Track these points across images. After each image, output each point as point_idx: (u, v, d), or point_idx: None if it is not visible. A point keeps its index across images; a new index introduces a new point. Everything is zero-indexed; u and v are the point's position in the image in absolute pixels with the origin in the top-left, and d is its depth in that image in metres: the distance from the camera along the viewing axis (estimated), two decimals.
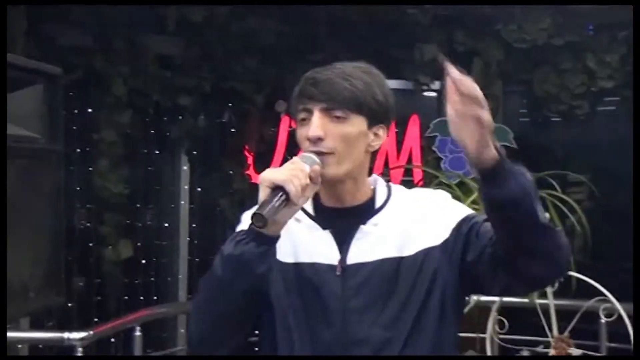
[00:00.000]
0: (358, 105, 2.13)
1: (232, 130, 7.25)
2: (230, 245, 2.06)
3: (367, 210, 2.21)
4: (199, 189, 7.31)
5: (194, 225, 7.27)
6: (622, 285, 4.63)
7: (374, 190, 2.25)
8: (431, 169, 6.43)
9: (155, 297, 7.07)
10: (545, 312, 4.72)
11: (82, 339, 4.43)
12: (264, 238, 2.04)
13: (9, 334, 4.57)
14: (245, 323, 2.18)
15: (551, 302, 4.60)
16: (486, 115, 1.96)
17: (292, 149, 7.14)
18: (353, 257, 2.15)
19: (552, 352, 4.63)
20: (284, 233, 2.13)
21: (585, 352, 4.82)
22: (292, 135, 7.11)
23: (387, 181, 2.31)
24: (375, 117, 2.17)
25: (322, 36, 6.72)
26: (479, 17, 6.70)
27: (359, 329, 2.12)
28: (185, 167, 7.21)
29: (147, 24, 6.47)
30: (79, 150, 6.71)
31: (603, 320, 5.21)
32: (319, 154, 2.11)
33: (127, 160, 6.66)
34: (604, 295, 4.65)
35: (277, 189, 2.00)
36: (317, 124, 2.11)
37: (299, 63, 6.91)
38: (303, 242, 2.19)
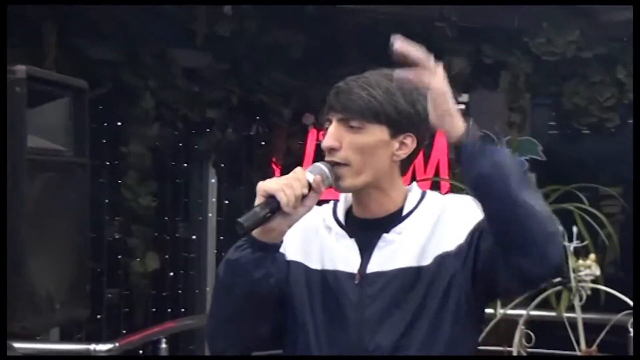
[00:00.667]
0: (375, 115, 2.11)
1: (260, 143, 7.26)
2: (231, 250, 2.10)
3: (394, 219, 2.19)
4: (226, 202, 7.32)
5: (221, 237, 7.27)
6: None
7: (405, 199, 2.22)
8: (458, 182, 6.40)
9: (182, 310, 7.09)
10: (573, 325, 4.68)
11: (108, 351, 4.45)
12: (261, 245, 2.06)
13: (38, 346, 4.63)
14: (253, 327, 2.19)
15: (579, 315, 4.57)
16: (435, 81, 1.98)
17: (320, 161, 7.13)
18: (373, 266, 2.15)
19: None
20: (315, 240, 2.18)
21: None
22: (319, 148, 7.10)
23: (425, 189, 2.28)
24: (399, 125, 2.13)
25: (349, 49, 6.73)
26: (507, 30, 6.69)
27: (373, 339, 2.12)
28: (213, 180, 7.23)
29: (175, 37, 6.49)
30: (107, 163, 6.76)
31: (632, 333, 5.18)
32: (334, 164, 2.11)
33: (155, 173, 6.69)
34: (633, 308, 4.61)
35: (270, 197, 2.02)
36: (332, 134, 2.12)
37: (327, 76, 6.93)
38: (330, 249, 2.19)
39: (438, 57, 6.31)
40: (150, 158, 6.57)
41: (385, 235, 2.16)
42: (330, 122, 2.15)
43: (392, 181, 2.19)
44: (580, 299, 4.56)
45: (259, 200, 2.03)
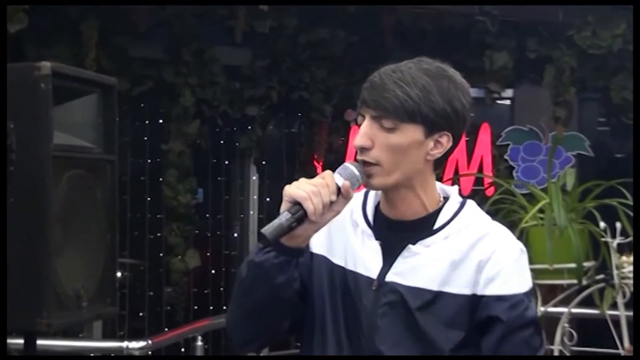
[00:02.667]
0: (410, 115, 2.01)
1: (301, 140, 7.27)
2: (255, 251, 2.06)
3: (424, 227, 2.11)
4: (268, 199, 7.35)
5: None
6: None
7: (441, 205, 2.15)
8: (503, 178, 6.35)
9: (224, 307, 7.11)
10: (615, 323, 4.62)
11: (141, 348, 4.48)
12: (286, 249, 2.01)
13: (72, 343, 4.67)
14: (272, 325, 2.17)
15: (622, 313, 4.50)
16: None
17: (350, 161, 7.11)
18: (392, 276, 2.08)
19: None
20: (341, 235, 2.13)
21: None
22: None
23: (464, 198, 2.19)
24: (435, 125, 2.04)
25: (390, 45, 6.70)
26: (551, 23, 6.60)
27: (381, 348, 2.07)
28: (254, 177, 7.27)
29: (215, 35, 6.53)
30: (149, 160, 6.82)
31: None
32: (365, 163, 2.05)
33: (196, 171, 6.73)
34: None
35: (296, 204, 1.96)
36: (364, 133, 2.05)
37: (368, 72, 6.90)
38: (354, 248, 2.14)
39: (480, 52, 6.29)
40: (191, 155, 6.62)
41: (411, 246, 2.09)
42: (363, 117, 2.08)
43: (424, 181, 2.12)
44: (624, 296, 4.50)
45: (285, 205, 1.97)
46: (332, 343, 2.12)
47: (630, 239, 4.54)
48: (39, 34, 5.73)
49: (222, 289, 7.19)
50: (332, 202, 1.99)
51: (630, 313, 4.60)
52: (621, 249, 4.56)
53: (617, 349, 4.63)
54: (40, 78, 2.68)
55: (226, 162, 7.24)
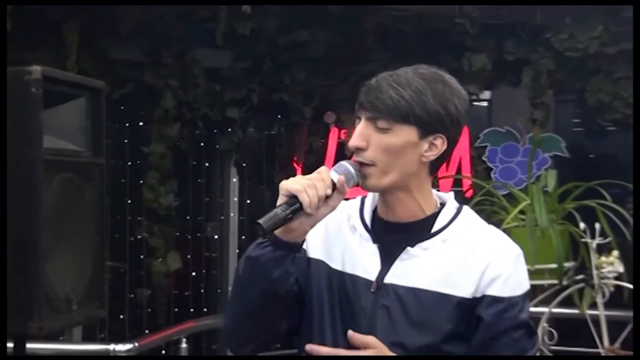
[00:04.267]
0: (403, 116, 2.05)
1: (281, 142, 7.28)
2: (251, 247, 2.08)
3: (421, 230, 2.14)
4: (248, 201, 7.35)
5: (243, 237, 7.30)
6: None
7: (437, 209, 2.17)
8: (481, 179, 6.38)
9: (205, 309, 7.12)
10: (595, 323, 4.66)
11: (127, 351, 4.47)
12: (283, 244, 2.03)
13: (57, 346, 4.65)
14: (269, 324, 2.18)
15: (602, 312, 4.54)
16: None
17: (342, 159, 7.13)
18: (391, 278, 2.11)
19: None
20: (339, 239, 2.15)
21: None
22: (341, 146, 7.13)
23: (461, 203, 2.23)
24: (428, 127, 2.07)
25: (371, 47, 6.72)
26: (529, 25, 6.65)
27: None
28: (234, 179, 7.26)
29: (196, 37, 6.52)
30: (129, 163, 6.80)
31: None
32: (360, 164, 2.08)
33: (176, 173, 6.73)
34: None
35: (292, 197, 2.00)
36: (358, 134, 2.09)
37: (349, 74, 6.93)
38: (352, 252, 2.16)
39: (459, 53, 6.33)
40: (172, 158, 6.61)
41: (409, 248, 2.11)
42: (360, 119, 2.11)
43: (420, 184, 2.15)
44: (603, 296, 4.54)
45: (281, 199, 2.00)
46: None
47: (609, 239, 4.59)
48: (20, 36, 5.70)
49: (202, 290, 7.19)
50: (327, 197, 2.03)
51: (610, 312, 4.65)
52: (600, 250, 4.61)
53: (597, 347, 4.67)
54: (31, 82, 2.68)
55: (206, 164, 7.24)
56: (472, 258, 2.09)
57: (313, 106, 6.97)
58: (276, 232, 2.02)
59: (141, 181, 6.63)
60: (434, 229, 2.14)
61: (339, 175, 2.04)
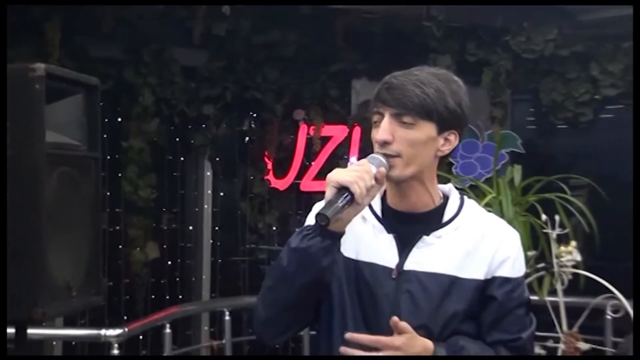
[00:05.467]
0: (427, 112, 2.11)
1: (253, 137, 7.26)
2: (297, 238, 2.08)
3: (433, 219, 2.20)
4: (221, 194, 7.34)
5: (216, 228, 7.29)
6: (621, 283, 4.61)
7: (445, 200, 2.23)
8: (443, 172, 6.40)
9: (180, 296, 7.09)
10: (555, 308, 4.70)
11: (117, 336, 4.45)
12: (329, 233, 2.05)
13: (48, 331, 4.62)
14: (305, 313, 2.20)
15: (561, 299, 4.58)
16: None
17: (310, 155, 7.17)
18: (410, 264, 2.15)
19: (561, 346, 4.61)
20: (348, 230, 2.15)
21: (593, 346, 4.80)
22: (309, 142, 7.13)
23: (462, 193, 2.30)
24: (446, 123, 2.14)
25: (340, 47, 6.72)
26: (490, 29, 6.70)
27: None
28: (208, 173, 7.23)
29: (174, 36, 6.49)
30: (109, 157, 6.74)
31: (609, 316, 5.23)
32: (386, 156, 2.12)
33: (154, 167, 6.69)
34: (611, 292, 4.63)
35: (342, 189, 2.02)
36: (385, 128, 2.12)
37: (318, 73, 6.94)
38: (366, 241, 2.20)
39: (424, 55, 6.32)
40: (149, 152, 6.58)
41: (425, 237, 2.16)
42: (380, 114, 2.15)
43: (432, 176, 2.21)
44: (562, 284, 4.58)
45: (330, 191, 2.03)
46: (352, 326, 2.15)
47: (567, 230, 4.62)
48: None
49: (177, 279, 7.16)
50: (371, 187, 2.06)
51: (568, 299, 4.68)
52: (559, 240, 4.64)
53: (556, 332, 4.71)
54: (34, 79, 2.64)
55: (182, 159, 7.20)
56: (482, 243, 2.16)
57: (284, 104, 6.99)
58: (322, 222, 2.03)
59: (119, 174, 6.56)
60: (445, 219, 2.20)
61: (378, 167, 2.08)
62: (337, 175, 2.04)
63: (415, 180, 2.16)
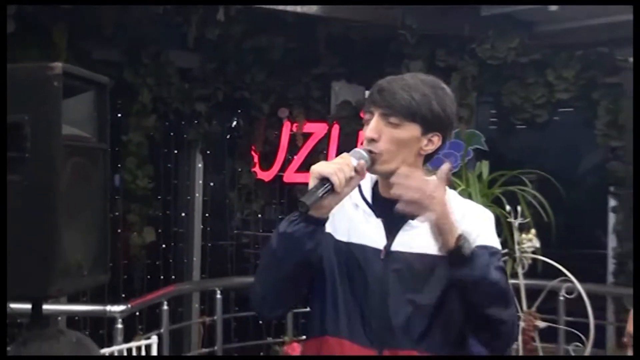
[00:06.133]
0: (412, 115, 2.13)
1: (241, 133, 7.25)
2: (284, 224, 2.10)
3: None
4: (211, 184, 7.33)
5: (206, 214, 7.29)
6: (573, 268, 4.66)
7: None
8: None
9: (173, 277, 7.07)
10: (516, 290, 4.73)
11: (121, 312, 4.44)
12: (313, 219, 2.07)
13: (55, 307, 4.59)
14: (297, 290, 2.22)
15: (521, 281, 4.62)
16: (434, 212, 2.02)
17: (293, 150, 7.16)
18: (397, 246, 2.16)
19: (522, 324, 4.65)
20: (342, 215, 2.18)
21: (549, 324, 4.84)
22: (293, 137, 7.13)
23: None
24: (430, 125, 2.15)
25: (322, 53, 6.73)
26: (458, 37, 6.71)
27: (393, 308, 2.14)
28: (199, 165, 7.22)
29: (169, 40, 6.46)
30: (109, 149, 6.68)
31: (562, 297, 5.27)
32: (371, 152, 2.14)
33: (150, 159, 6.66)
34: (566, 276, 4.68)
35: (323, 179, 2.04)
36: (373, 127, 2.15)
37: (302, 76, 6.94)
38: (357, 225, 2.21)
39: (398, 60, 6.33)
40: (147, 146, 6.55)
41: (411, 221, 2.17)
42: (371, 114, 2.17)
43: (417, 168, 2.19)
44: (523, 268, 4.61)
45: (313, 182, 2.05)
46: (342, 304, 2.17)
47: (528, 219, 4.66)
48: (13, 36, 5.59)
49: (171, 260, 7.14)
50: (350, 178, 2.08)
51: (528, 281, 4.72)
52: (521, 228, 4.68)
53: (517, 312, 4.74)
54: (53, 77, 2.64)
55: (175, 152, 7.17)
56: (462, 222, 2.14)
57: (270, 103, 6.98)
58: (300, 211, 2.06)
59: (119, 165, 6.53)
60: None
61: (358, 160, 2.10)
62: (319, 167, 2.06)
63: None
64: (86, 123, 3.06)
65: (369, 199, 2.25)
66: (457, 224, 2.06)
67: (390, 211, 2.17)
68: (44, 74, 2.65)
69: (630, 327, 1.95)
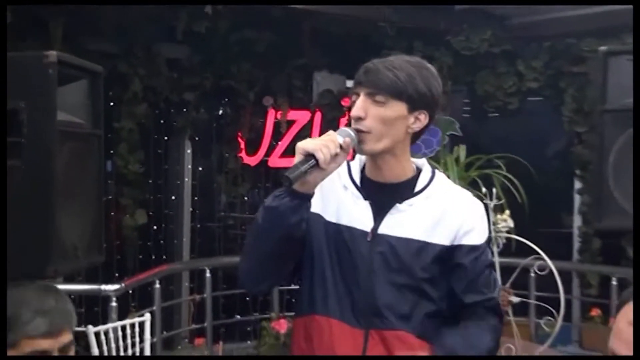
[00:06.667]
0: (398, 93, 2.04)
1: (228, 120, 7.19)
2: (270, 198, 2.03)
3: (405, 189, 2.12)
4: (199, 169, 7.26)
5: (195, 198, 7.23)
6: (543, 246, 4.62)
7: (417, 173, 2.16)
8: None
9: (164, 257, 7.01)
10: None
11: (115, 290, 4.37)
12: (297, 194, 2.00)
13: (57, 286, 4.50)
14: (282, 264, 2.14)
15: (496, 259, 4.57)
16: None
17: (277, 136, 7.11)
18: (384, 229, 2.09)
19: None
20: (332, 196, 2.11)
21: (522, 299, 4.81)
22: (276, 125, 7.07)
23: (434, 167, 2.23)
24: (416, 103, 2.07)
25: (305, 45, 6.67)
26: (434, 30, 6.68)
27: (379, 289, 2.07)
28: (188, 151, 7.15)
29: (159, 33, 6.39)
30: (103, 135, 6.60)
31: (533, 274, 5.25)
32: (359, 131, 2.06)
33: (142, 145, 6.59)
34: (538, 254, 4.64)
35: (308, 155, 1.97)
36: (359, 106, 2.06)
37: (285, 66, 6.88)
38: (346, 207, 2.13)
39: (378, 52, 6.29)
40: (138, 132, 6.49)
41: (398, 205, 2.10)
42: (357, 95, 2.08)
43: (404, 150, 2.14)
44: (498, 246, 4.57)
45: (298, 157, 1.97)
46: (331, 284, 2.10)
47: (503, 201, 4.61)
48: (14, 29, 5.49)
49: (161, 241, 7.07)
50: (336, 155, 2.00)
51: (502, 259, 4.67)
52: (496, 209, 4.63)
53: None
54: (48, 65, 2.56)
55: (165, 138, 7.09)
56: (450, 212, 2.10)
57: (255, 92, 6.93)
58: (295, 186, 1.99)
59: (112, 151, 6.45)
60: (417, 189, 2.13)
61: (344, 137, 2.02)
62: (304, 144, 1.98)
63: (388, 154, 2.10)
64: (81, 110, 2.98)
65: (358, 181, 2.17)
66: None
67: (377, 194, 2.12)
68: (39, 62, 2.57)
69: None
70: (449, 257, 2.09)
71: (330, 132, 2.04)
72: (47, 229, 2.59)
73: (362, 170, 2.19)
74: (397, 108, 2.06)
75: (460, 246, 2.09)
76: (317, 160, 1.96)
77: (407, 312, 2.07)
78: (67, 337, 2.04)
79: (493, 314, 2.13)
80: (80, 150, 2.90)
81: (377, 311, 2.06)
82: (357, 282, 2.08)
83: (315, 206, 2.13)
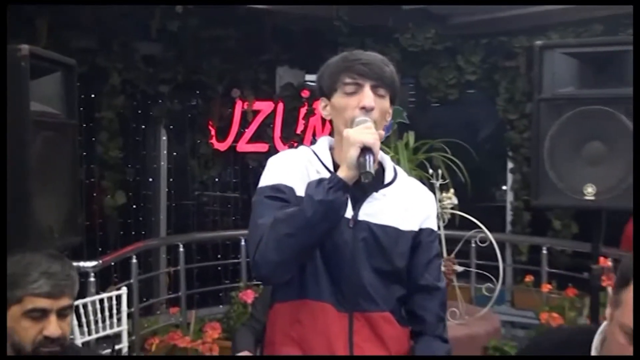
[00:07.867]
0: (393, 88, 1.96)
1: (199, 110, 7.01)
2: (321, 192, 1.77)
3: (376, 179, 1.90)
4: (174, 154, 7.06)
5: (171, 179, 7.04)
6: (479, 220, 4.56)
7: (381, 165, 2.02)
8: None
9: (143, 233, 6.83)
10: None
11: (93, 267, 4.17)
12: (347, 187, 1.80)
13: None
14: (309, 256, 1.90)
15: (442, 232, 4.47)
16: None
17: (244, 124, 6.94)
18: (363, 216, 1.93)
19: (442, 269, 4.51)
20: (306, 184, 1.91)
21: (464, 268, 4.75)
22: (244, 114, 6.91)
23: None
24: (394, 98, 1.99)
25: (268, 41, 6.51)
26: (384, 28, 6.58)
27: (363, 274, 1.92)
28: (164, 138, 6.95)
29: (136, 31, 6.18)
30: (84, 125, 6.40)
31: (474, 245, 5.20)
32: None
33: (121, 133, 6.39)
34: (479, 228, 4.58)
35: (367, 148, 1.77)
36: (371, 96, 1.90)
37: (251, 62, 6.74)
38: None
39: (333, 48, 6.11)
40: (117, 121, 6.31)
41: (374, 193, 1.95)
42: (358, 85, 1.91)
43: None
44: (443, 221, 4.47)
45: (355, 150, 1.77)
46: (321, 269, 1.91)
47: (447, 180, 4.52)
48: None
49: (140, 219, 6.88)
50: None
51: (447, 232, 4.56)
52: (442, 188, 4.54)
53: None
54: (20, 58, 2.39)
55: (143, 127, 6.88)
56: (415, 201, 2.01)
57: (224, 84, 6.77)
58: (346, 178, 1.79)
59: (94, 139, 6.25)
60: (386, 180, 2.01)
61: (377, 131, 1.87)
62: (360, 136, 1.78)
63: None
64: (55, 101, 2.81)
65: (331, 168, 1.96)
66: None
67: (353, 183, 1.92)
68: (13, 56, 2.40)
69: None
70: (414, 240, 1.99)
71: (369, 123, 1.84)
72: (22, 213, 2.42)
73: (333, 159, 2.00)
74: (388, 101, 1.96)
75: (423, 229, 2.01)
76: (373, 154, 1.78)
77: (386, 295, 1.94)
78: (66, 301, 1.96)
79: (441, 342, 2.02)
80: (55, 138, 2.72)
81: (361, 294, 1.92)
82: (341, 267, 1.91)
83: (301, 190, 1.89)
